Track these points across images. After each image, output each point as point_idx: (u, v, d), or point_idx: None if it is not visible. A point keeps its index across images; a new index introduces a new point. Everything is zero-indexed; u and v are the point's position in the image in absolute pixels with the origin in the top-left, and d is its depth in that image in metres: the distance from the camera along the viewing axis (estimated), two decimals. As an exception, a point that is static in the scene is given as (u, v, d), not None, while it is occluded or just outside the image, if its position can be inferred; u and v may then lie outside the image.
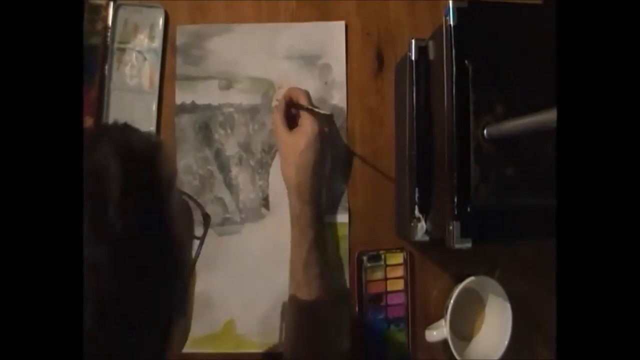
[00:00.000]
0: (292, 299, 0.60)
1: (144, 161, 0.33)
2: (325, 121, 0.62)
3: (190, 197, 0.40)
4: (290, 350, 0.60)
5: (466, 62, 0.48)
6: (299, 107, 0.61)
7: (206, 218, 0.43)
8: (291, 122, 0.62)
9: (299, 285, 0.59)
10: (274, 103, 0.66)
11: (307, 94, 0.61)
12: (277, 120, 0.61)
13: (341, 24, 0.67)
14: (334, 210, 0.66)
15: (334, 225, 0.66)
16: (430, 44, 0.57)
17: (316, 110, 0.60)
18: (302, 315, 0.59)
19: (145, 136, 0.35)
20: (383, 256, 0.66)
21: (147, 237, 0.31)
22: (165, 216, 0.33)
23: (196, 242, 0.41)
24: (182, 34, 0.66)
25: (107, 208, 0.29)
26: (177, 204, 0.37)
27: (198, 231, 0.41)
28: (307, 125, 0.59)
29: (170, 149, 0.63)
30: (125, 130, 0.34)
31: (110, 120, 0.65)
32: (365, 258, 0.65)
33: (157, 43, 0.65)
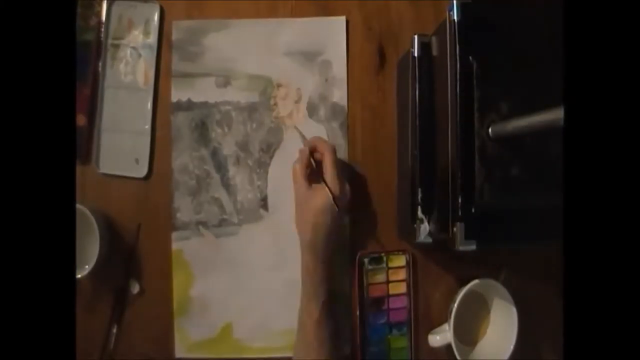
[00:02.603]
0: (301, 357, 0.59)
1: None
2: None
3: None
4: None
5: (470, 58, 0.48)
6: (320, 173, 0.58)
7: None
8: (311, 171, 0.60)
9: (309, 346, 0.58)
10: (272, 101, 0.66)
11: (333, 151, 0.59)
12: (297, 169, 0.59)
13: (342, 20, 0.67)
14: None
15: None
16: (434, 40, 0.56)
17: (331, 192, 0.57)
18: None
19: None
20: (385, 258, 0.66)
21: None
22: None
23: None
24: (178, 30, 0.66)
25: None
26: None
27: None
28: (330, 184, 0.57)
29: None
30: None
31: (104, 119, 0.64)
32: (366, 260, 0.65)
33: (153, 39, 0.65)
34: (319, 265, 0.59)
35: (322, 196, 0.57)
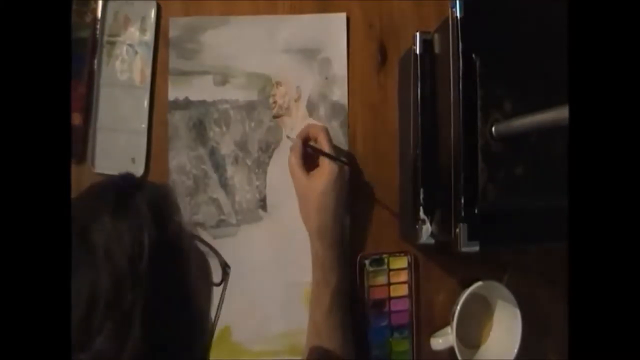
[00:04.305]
0: (313, 349, 0.59)
1: (165, 218, 0.33)
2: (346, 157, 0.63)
3: (207, 244, 0.40)
4: None
5: (473, 56, 0.48)
6: (317, 151, 0.60)
7: (225, 268, 0.42)
8: (307, 160, 0.61)
9: (319, 333, 0.59)
10: (271, 100, 0.66)
11: (326, 131, 0.61)
12: (293, 162, 0.60)
13: (342, 16, 0.66)
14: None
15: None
16: (436, 37, 0.57)
17: (336, 158, 0.59)
18: None
19: (160, 189, 0.36)
20: (386, 260, 0.66)
21: (168, 293, 0.32)
22: (185, 270, 0.34)
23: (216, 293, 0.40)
24: (175, 27, 0.66)
25: (130, 267, 0.30)
26: (194, 253, 0.37)
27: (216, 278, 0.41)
28: (327, 165, 0.59)
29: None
30: (140, 186, 0.35)
31: (100, 117, 0.64)
32: (367, 262, 0.65)
33: (149, 36, 0.65)
34: (328, 251, 0.59)
35: (322, 179, 0.59)
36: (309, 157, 0.61)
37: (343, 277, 0.60)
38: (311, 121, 0.66)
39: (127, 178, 0.35)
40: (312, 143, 0.62)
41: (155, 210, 0.32)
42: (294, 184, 0.61)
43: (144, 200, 0.32)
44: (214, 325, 0.39)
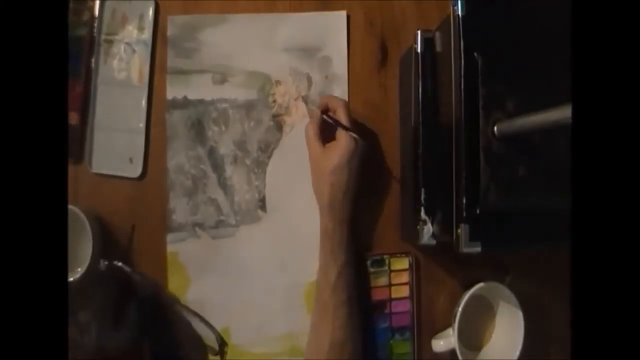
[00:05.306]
0: (316, 324, 0.60)
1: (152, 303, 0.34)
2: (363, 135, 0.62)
3: (203, 319, 0.41)
4: None
5: (475, 54, 0.48)
6: (335, 122, 0.60)
7: (221, 344, 0.46)
8: (324, 132, 0.61)
9: (325, 309, 0.59)
10: (271, 99, 0.66)
11: (346, 106, 0.61)
12: (310, 131, 0.61)
13: (342, 14, 0.66)
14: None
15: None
16: (437, 35, 0.56)
17: (352, 130, 0.59)
18: (325, 344, 0.58)
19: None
20: (387, 261, 0.66)
21: None
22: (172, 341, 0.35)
23: None
24: (174, 25, 0.66)
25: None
26: (184, 327, 0.38)
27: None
28: (344, 140, 0.59)
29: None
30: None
31: (97, 117, 0.64)
32: (368, 263, 0.65)
33: (147, 34, 0.65)
34: (337, 226, 0.59)
35: (337, 153, 0.58)
36: (327, 129, 0.61)
37: (351, 254, 0.60)
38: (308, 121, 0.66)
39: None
40: (330, 114, 0.62)
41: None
42: (309, 154, 0.62)
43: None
44: None
